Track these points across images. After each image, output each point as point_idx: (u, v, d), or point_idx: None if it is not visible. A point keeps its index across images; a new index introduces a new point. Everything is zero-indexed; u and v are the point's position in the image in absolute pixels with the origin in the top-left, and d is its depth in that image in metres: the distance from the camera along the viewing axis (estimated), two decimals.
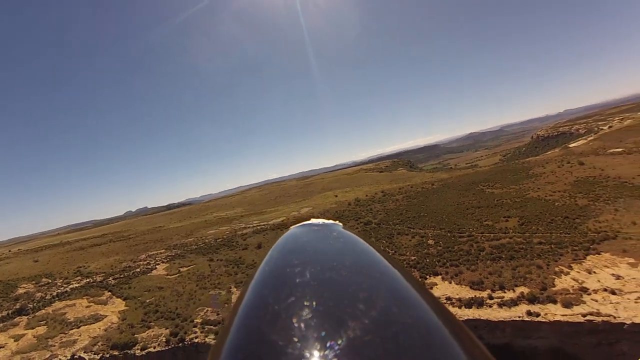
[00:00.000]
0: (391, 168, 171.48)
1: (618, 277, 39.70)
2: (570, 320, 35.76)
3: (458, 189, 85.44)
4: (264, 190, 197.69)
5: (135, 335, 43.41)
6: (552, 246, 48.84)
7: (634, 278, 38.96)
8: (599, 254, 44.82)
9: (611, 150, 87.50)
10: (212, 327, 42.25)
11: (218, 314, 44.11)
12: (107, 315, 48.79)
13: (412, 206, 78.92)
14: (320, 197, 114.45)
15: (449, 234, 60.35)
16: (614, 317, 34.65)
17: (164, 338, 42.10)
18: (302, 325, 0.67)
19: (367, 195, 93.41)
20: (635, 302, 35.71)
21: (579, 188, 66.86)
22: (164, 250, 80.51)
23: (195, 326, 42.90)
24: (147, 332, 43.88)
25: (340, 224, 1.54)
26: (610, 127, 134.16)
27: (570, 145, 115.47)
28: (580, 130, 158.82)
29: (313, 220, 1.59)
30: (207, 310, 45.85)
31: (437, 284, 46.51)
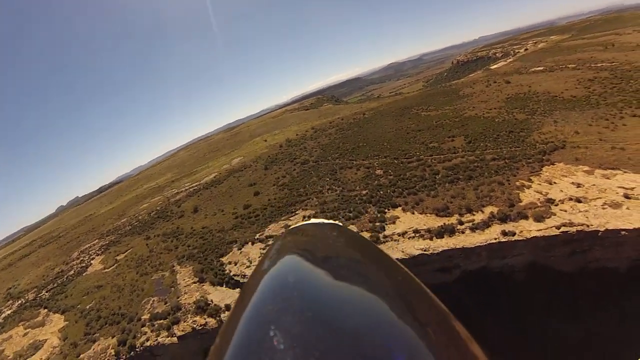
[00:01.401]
0: (316, 105, 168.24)
1: (579, 185, 40.66)
2: (546, 234, 35.30)
3: (392, 115, 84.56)
4: (192, 149, 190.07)
5: (81, 356, 37.19)
6: (507, 161, 48.94)
7: (593, 185, 40.23)
8: (554, 164, 45.85)
9: (533, 69, 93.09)
10: (162, 321, 37.99)
11: (165, 303, 40.36)
12: (46, 339, 43.06)
13: (348, 138, 76.13)
14: (249, 144, 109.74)
15: (395, 161, 57.71)
16: (587, 226, 35.13)
17: (113, 351, 36.44)
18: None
19: (297, 135, 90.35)
20: (603, 209, 36.69)
21: (513, 104, 69.84)
22: (97, 241, 75.88)
23: (144, 325, 38.40)
24: (92, 347, 38.17)
25: (340, 224, 1.57)
26: (526, 49, 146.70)
27: (492, 67, 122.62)
28: (497, 54, 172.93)
29: (313, 221, 1.61)
30: (153, 300, 41.92)
31: (399, 217, 43.05)
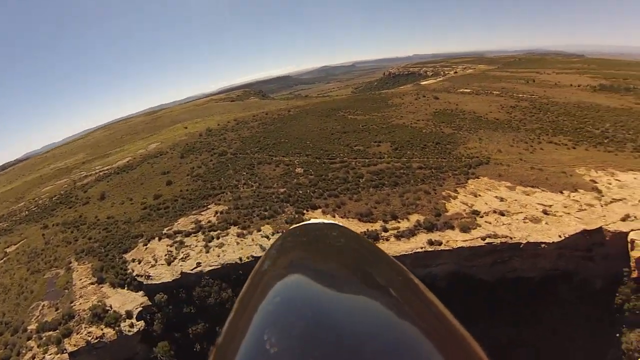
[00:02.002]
0: (243, 97, 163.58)
1: (502, 200, 40.84)
2: (472, 244, 34.16)
3: (318, 115, 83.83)
4: (110, 129, 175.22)
5: None
6: (433, 171, 48.47)
7: (515, 200, 40.71)
8: (478, 178, 46.11)
9: (461, 90, 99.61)
10: (51, 333, 31.34)
11: (57, 309, 34.12)
12: None
13: (270, 133, 73.30)
14: (169, 130, 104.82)
15: (317, 161, 55.13)
16: (510, 238, 34.92)
17: None
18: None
19: (219, 125, 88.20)
20: (524, 222, 36.87)
21: (441, 118, 72.89)
22: None
23: (30, 338, 31.73)
24: None
25: (340, 224, 1.67)
26: (455, 72, 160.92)
27: (422, 83, 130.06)
28: (428, 72, 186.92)
29: (313, 221, 1.70)
30: (43, 305, 35.63)
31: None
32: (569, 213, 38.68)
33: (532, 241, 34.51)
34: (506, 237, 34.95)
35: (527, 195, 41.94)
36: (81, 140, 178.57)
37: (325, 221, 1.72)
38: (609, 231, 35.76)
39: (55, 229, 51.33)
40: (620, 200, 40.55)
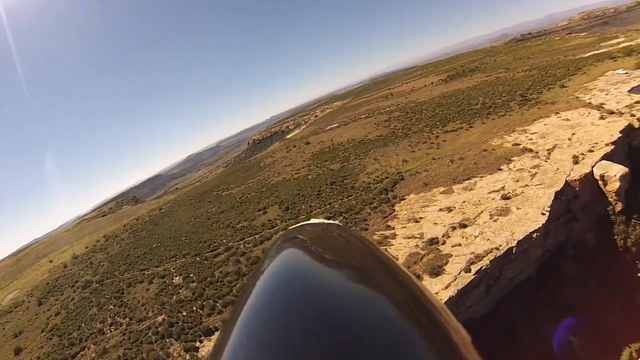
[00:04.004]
0: (115, 209, 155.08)
1: (449, 209, 33.28)
2: (457, 288, 24.52)
3: (190, 203, 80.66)
4: None
5: None
6: (346, 216, 39.94)
7: (463, 202, 33.93)
8: (404, 199, 38.67)
9: (329, 127, 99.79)
10: None
11: None
12: None
13: (141, 240, 67.57)
14: (33, 270, 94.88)
15: (198, 259, 45.40)
16: (497, 248, 27.00)
17: None
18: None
19: (87, 247, 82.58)
20: (495, 221, 29.63)
21: (321, 158, 69.25)
22: None
23: None
24: None
25: (341, 224, 1.71)
26: (316, 116, 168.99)
27: (288, 137, 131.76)
28: (290, 126, 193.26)
29: (313, 220, 1.76)
30: None
31: None
32: (527, 185, 32.93)
33: (522, 237, 26.52)
34: (489, 250, 26.21)
35: (471, 190, 35.22)
36: None
37: (326, 221, 1.72)
38: (574, 180, 32.29)
39: None
40: (554, 147, 38.52)
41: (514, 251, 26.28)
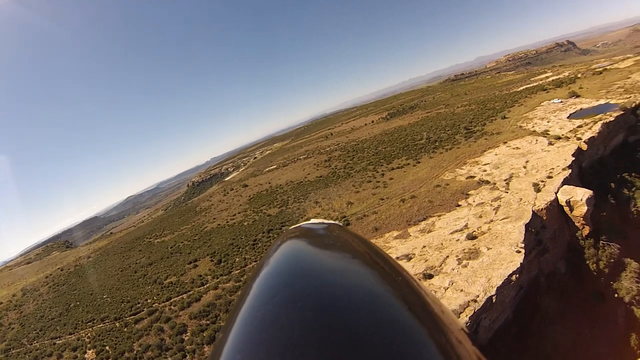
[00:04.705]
0: (43, 255, 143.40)
1: (408, 257, 28.83)
2: None
3: (121, 252, 76.23)
4: None
5: None
6: None
7: (423, 246, 30.21)
8: None
9: (267, 169, 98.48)
10: None
11: None
12: None
13: (60, 297, 61.67)
14: None
15: (117, 325, 39.18)
16: (474, 300, 22.01)
17: None
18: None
19: (0, 303, 73.84)
20: (464, 267, 25.31)
21: (259, 202, 66.14)
22: None
23: None
24: None
25: (341, 224, 1.73)
26: (255, 158, 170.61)
27: (227, 179, 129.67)
28: (229, 168, 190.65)
29: (313, 220, 1.77)
30: None
31: None
32: (492, 220, 29.59)
33: (500, 282, 22.42)
34: (466, 304, 21.65)
35: (430, 232, 31.15)
36: None
37: (326, 221, 1.72)
38: (541, 209, 30.51)
39: None
40: (511, 177, 36.95)
41: (494, 300, 21.86)
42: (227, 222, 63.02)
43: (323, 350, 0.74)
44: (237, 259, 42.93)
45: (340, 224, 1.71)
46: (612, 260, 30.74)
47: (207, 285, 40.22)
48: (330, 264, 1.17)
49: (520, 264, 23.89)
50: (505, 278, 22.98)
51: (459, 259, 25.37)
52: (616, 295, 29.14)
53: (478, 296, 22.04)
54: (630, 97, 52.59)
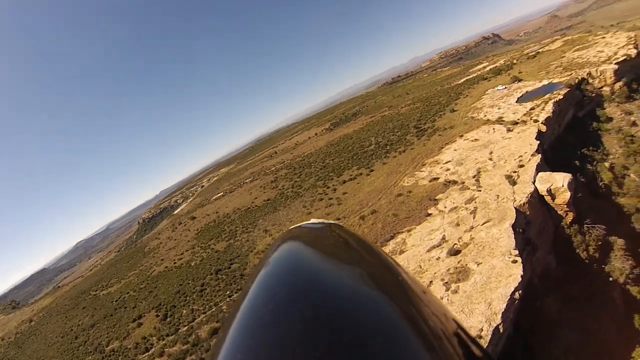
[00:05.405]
0: None
1: None
2: None
3: (64, 310, 72.01)
4: None
5: None
6: None
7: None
8: None
9: (214, 197, 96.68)
10: None
11: None
12: None
13: None
14: None
15: None
16: (480, 336, 16.61)
17: None
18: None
19: None
20: (454, 293, 20.39)
21: (206, 236, 62.74)
22: None
23: None
24: None
25: (341, 224, 1.68)
26: (202, 186, 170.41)
27: (175, 212, 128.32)
28: (178, 200, 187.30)
29: (313, 220, 1.74)
30: None
31: None
32: (472, 227, 25.37)
33: (504, 305, 17.95)
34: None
35: (402, 252, 26.45)
36: None
37: (326, 221, 1.67)
38: (523, 204, 27.61)
39: None
40: (479, 172, 33.69)
41: (501, 330, 17.21)
42: (175, 262, 59.09)
43: (323, 349, 0.74)
44: (184, 311, 38.38)
45: (341, 224, 1.64)
46: (600, 243, 29.32)
47: (152, 350, 36.10)
48: (330, 264, 1.17)
49: (521, 276, 19.48)
50: (508, 298, 18.47)
51: (446, 282, 20.57)
52: (610, 278, 28.05)
53: (482, 329, 17.31)
54: (572, 73, 52.20)
